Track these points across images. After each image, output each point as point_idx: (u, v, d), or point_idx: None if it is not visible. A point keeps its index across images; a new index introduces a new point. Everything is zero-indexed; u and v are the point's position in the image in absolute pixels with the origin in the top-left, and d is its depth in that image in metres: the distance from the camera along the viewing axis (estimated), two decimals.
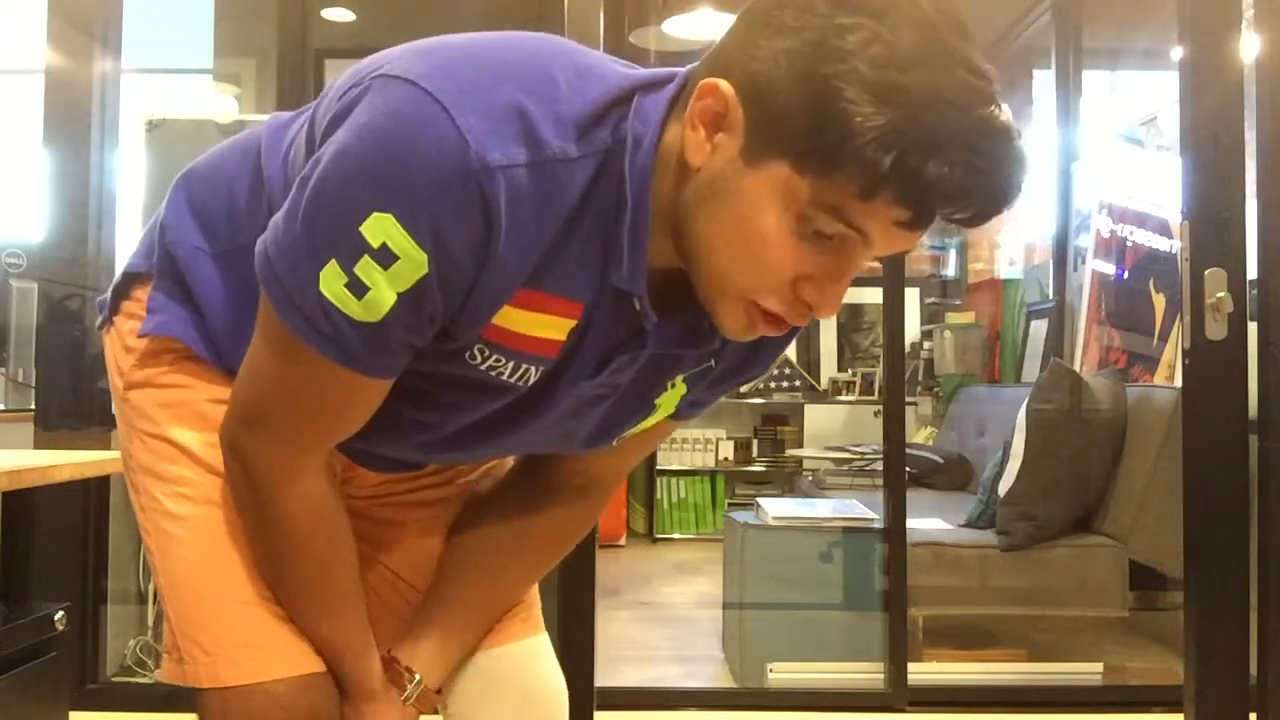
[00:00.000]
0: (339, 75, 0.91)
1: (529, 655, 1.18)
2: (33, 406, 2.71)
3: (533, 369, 0.92)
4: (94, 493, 2.69)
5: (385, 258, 0.80)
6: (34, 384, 2.75)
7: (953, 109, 0.73)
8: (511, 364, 0.91)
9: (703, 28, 4.23)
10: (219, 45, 3.61)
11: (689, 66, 0.87)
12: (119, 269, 1.09)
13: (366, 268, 0.81)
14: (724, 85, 0.79)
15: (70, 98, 2.67)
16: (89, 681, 2.67)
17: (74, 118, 2.67)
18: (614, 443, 1.04)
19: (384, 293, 0.82)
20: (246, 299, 0.93)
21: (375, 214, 0.79)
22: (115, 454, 2.13)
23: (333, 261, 0.81)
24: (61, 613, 1.90)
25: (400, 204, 0.79)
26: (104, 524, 2.75)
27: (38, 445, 2.59)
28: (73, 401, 2.65)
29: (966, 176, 0.73)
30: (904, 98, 0.72)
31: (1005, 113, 0.75)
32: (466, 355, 0.90)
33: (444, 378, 0.93)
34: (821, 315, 0.82)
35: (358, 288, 0.82)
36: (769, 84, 0.77)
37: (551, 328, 0.89)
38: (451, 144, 0.78)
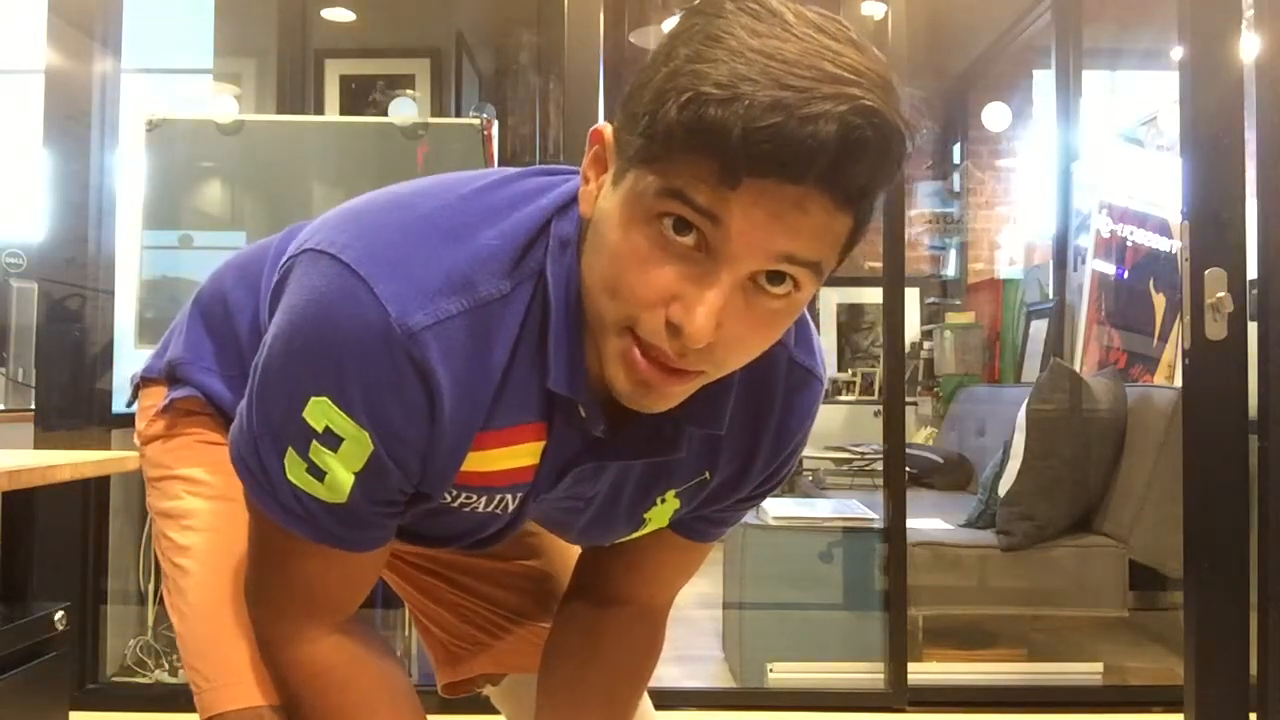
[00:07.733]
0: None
1: None
2: (33, 406, 2.71)
3: (509, 498, 0.90)
4: (94, 493, 2.69)
5: (331, 441, 0.80)
6: (34, 384, 2.75)
7: (758, 54, 0.67)
8: (484, 498, 0.89)
9: None
10: (219, 45, 3.60)
11: None
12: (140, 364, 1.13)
13: (318, 452, 0.80)
14: (603, 124, 0.78)
15: (70, 98, 2.67)
16: (89, 681, 2.67)
17: (74, 118, 2.67)
18: (606, 543, 1.03)
19: (340, 474, 0.81)
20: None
21: (312, 399, 0.78)
22: (115, 454, 2.13)
23: (290, 449, 0.81)
24: (61, 613, 1.90)
25: (332, 385, 0.78)
26: (104, 524, 2.75)
27: (38, 445, 2.59)
28: (73, 401, 2.65)
29: (768, 110, 0.65)
30: (712, 66, 0.67)
31: (847, 66, 0.68)
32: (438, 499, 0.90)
33: (412, 519, 0.92)
34: (692, 340, 0.72)
35: (316, 472, 0.82)
36: (627, 107, 0.74)
37: (521, 456, 0.87)
38: (372, 316, 0.76)
